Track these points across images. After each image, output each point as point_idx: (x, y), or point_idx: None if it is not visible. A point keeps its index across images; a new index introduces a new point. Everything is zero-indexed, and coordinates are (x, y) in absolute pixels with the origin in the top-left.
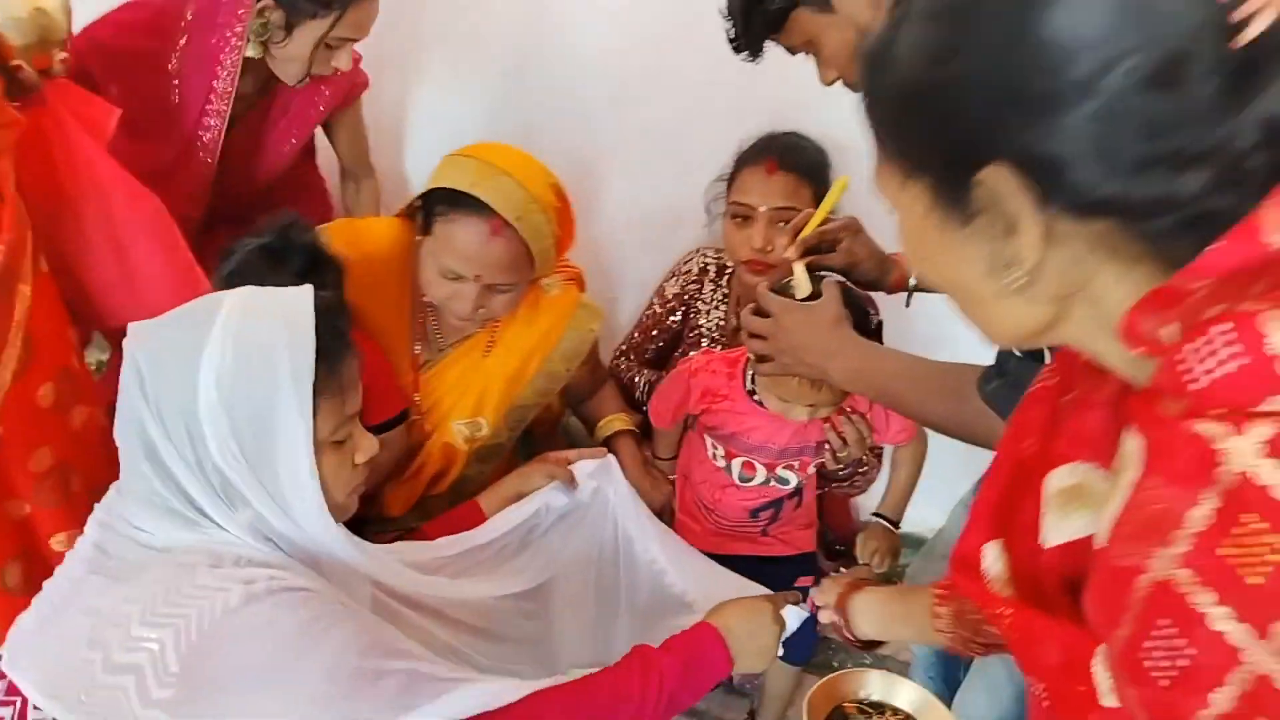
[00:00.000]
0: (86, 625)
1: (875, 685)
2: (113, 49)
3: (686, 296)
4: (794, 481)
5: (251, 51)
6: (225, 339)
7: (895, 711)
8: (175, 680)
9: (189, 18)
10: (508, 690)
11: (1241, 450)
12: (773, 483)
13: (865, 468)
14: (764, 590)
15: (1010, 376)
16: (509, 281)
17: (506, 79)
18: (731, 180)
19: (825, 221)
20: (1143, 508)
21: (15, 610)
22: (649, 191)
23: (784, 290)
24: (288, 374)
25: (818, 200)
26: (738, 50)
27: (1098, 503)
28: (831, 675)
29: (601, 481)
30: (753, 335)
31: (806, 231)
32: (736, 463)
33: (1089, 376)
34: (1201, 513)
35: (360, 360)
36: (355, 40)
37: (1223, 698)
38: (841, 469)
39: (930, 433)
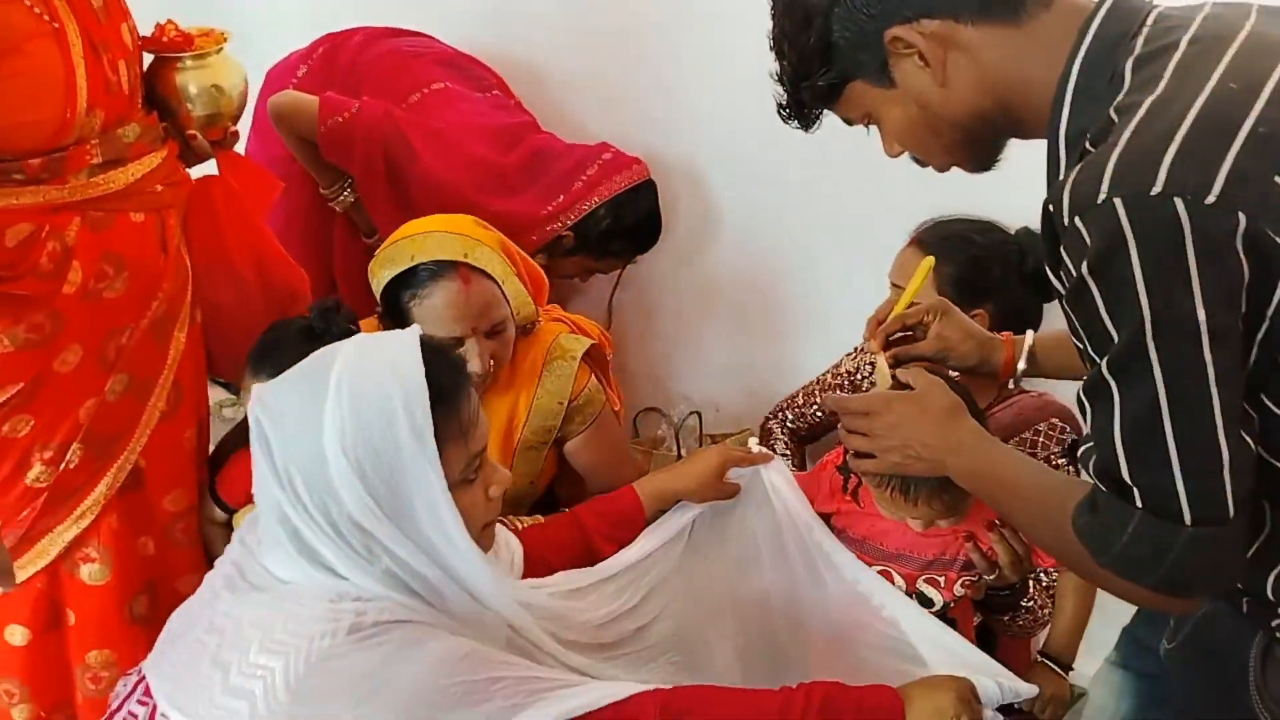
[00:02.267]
0: (213, 644)
1: None
2: (443, 194)
3: (859, 378)
4: (938, 603)
5: (539, 259)
6: (341, 402)
7: None
8: (284, 709)
9: (512, 223)
10: (630, 687)
11: None
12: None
13: (1029, 600)
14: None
15: (1101, 515)
16: (500, 319)
17: None
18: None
19: (910, 307)
20: None
21: (140, 638)
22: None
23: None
24: (407, 430)
25: (953, 286)
26: (787, 121)
27: None
28: None
29: (764, 481)
30: (852, 432)
31: (888, 319)
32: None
33: None
34: None
35: (478, 399)
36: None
37: None
38: (999, 594)
39: None
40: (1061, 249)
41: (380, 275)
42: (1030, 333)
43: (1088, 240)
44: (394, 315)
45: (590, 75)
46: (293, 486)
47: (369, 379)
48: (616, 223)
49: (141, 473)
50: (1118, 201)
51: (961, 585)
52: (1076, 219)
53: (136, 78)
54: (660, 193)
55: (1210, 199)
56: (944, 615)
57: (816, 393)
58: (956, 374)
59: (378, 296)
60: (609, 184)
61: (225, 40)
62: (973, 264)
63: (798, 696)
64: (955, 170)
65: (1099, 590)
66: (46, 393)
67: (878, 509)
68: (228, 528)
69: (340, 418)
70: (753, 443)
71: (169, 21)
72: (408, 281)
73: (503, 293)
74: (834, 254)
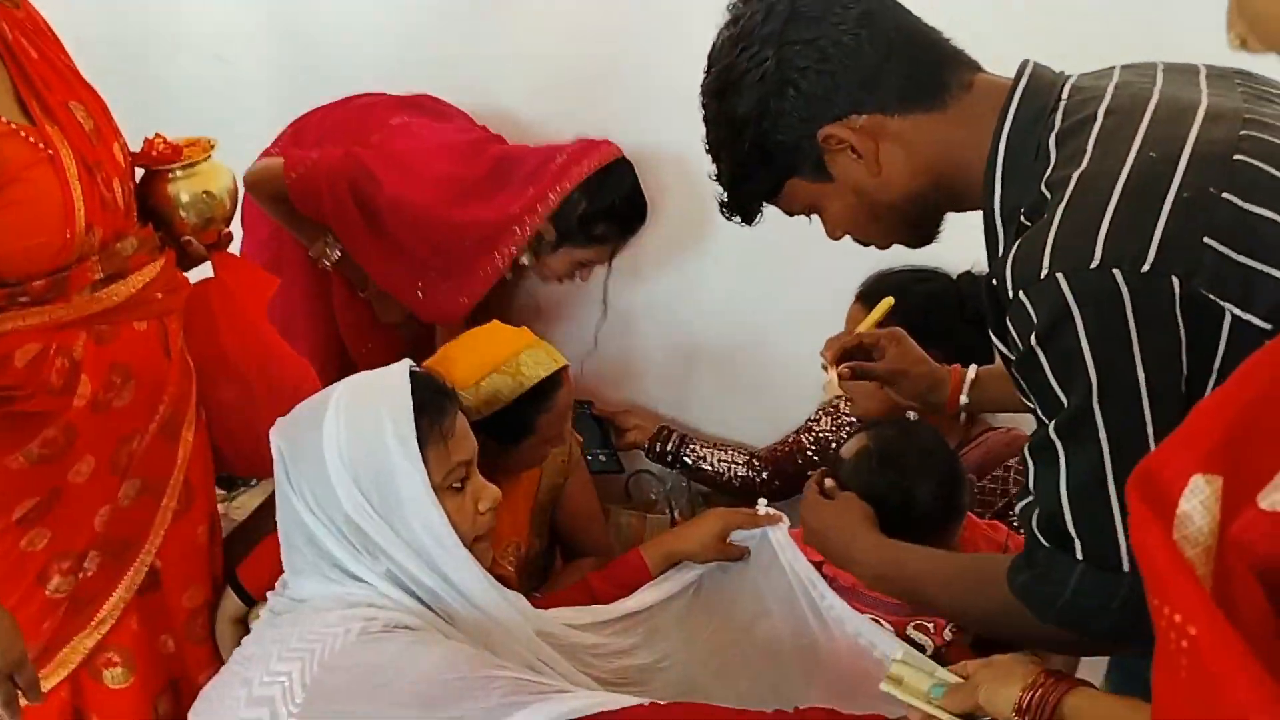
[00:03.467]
0: (242, 671)
1: None
2: (413, 215)
3: (829, 439)
4: (929, 648)
5: (524, 259)
6: (338, 415)
7: None
8: (300, 709)
9: (487, 229)
10: (626, 699)
11: None
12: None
13: None
14: None
15: (1039, 569)
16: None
17: None
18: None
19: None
20: None
21: None
22: None
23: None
24: (391, 431)
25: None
26: (729, 218)
27: None
28: None
29: (771, 542)
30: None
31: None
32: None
33: None
34: None
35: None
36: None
37: None
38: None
39: None
40: (1008, 320)
41: (483, 405)
42: (974, 366)
43: (1033, 315)
44: (510, 430)
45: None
46: (304, 495)
47: (361, 396)
48: (594, 204)
49: (158, 573)
50: (1060, 276)
51: (950, 630)
52: (1021, 294)
53: (130, 193)
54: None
55: (1145, 267)
56: (941, 660)
57: (791, 440)
58: (914, 415)
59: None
60: (579, 167)
61: (212, 147)
62: (911, 313)
63: (790, 718)
64: None
65: None
66: (62, 505)
67: None
68: (243, 626)
69: (336, 429)
70: (762, 503)
71: (157, 135)
72: (529, 402)
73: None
74: (817, 310)
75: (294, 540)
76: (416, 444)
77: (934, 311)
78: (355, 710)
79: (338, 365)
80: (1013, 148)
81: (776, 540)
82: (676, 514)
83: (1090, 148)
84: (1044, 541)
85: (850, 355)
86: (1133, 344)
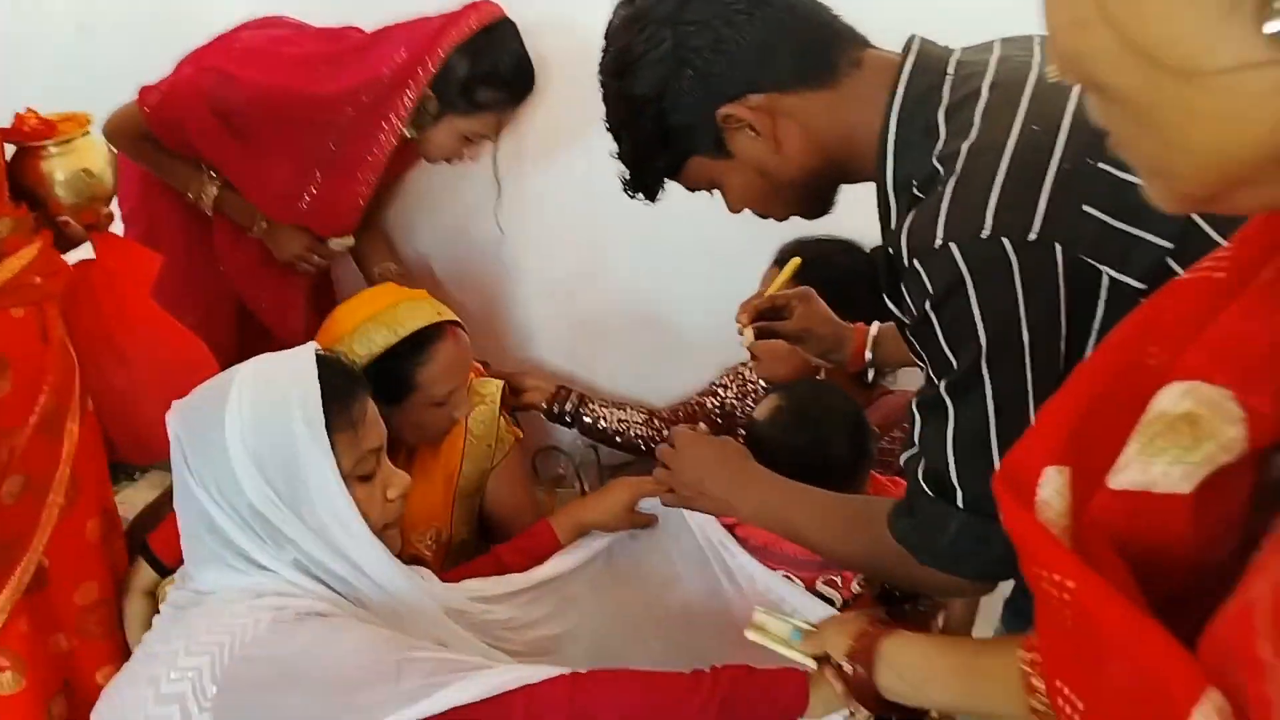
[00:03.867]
0: (146, 668)
1: None
2: (280, 100)
3: (728, 401)
4: (838, 601)
5: (409, 133)
6: (241, 401)
7: None
8: (212, 704)
9: (363, 97)
10: (546, 670)
11: None
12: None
13: None
14: None
15: (921, 515)
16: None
17: None
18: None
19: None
20: None
21: None
22: None
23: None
24: (300, 417)
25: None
26: (632, 196)
27: (1206, 448)
28: None
29: (671, 514)
30: (658, 462)
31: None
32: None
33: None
34: None
35: (369, 400)
36: (490, 139)
37: None
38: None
39: None
40: (903, 286)
41: (361, 355)
42: (876, 324)
43: (928, 282)
44: (391, 386)
45: None
46: (205, 484)
47: (265, 379)
48: (476, 67)
49: (45, 572)
50: (953, 246)
51: (858, 584)
52: (915, 262)
53: (1, 171)
54: (543, 226)
55: (1032, 236)
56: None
57: (695, 400)
58: (821, 375)
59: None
60: (457, 29)
61: (89, 123)
62: (837, 284)
63: (706, 676)
64: None
65: None
66: None
67: None
68: (153, 599)
69: (239, 413)
70: None
71: (29, 110)
72: (403, 352)
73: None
74: (718, 277)
75: (195, 530)
76: (325, 431)
77: (855, 285)
78: (271, 701)
79: (236, 327)
80: (903, 123)
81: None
82: (585, 487)
83: (978, 121)
84: (927, 490)
85: (762, 316)
86: (1019, 309)
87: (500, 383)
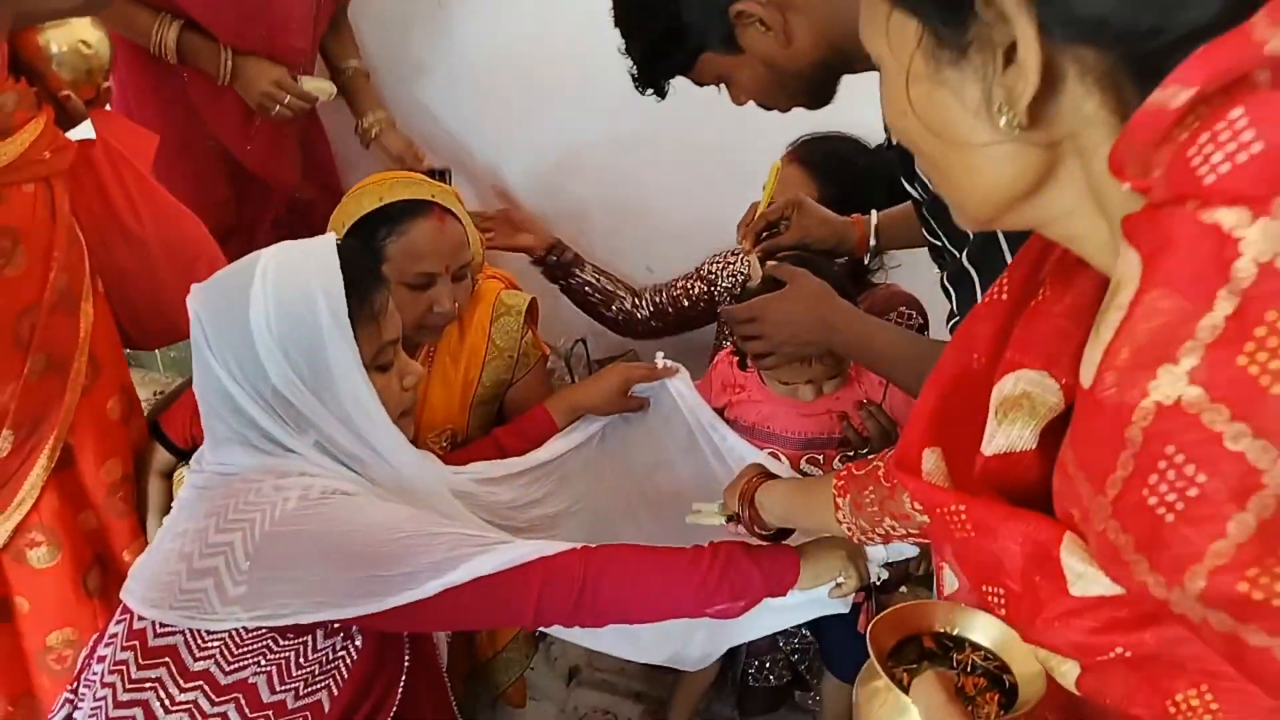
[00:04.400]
0: (176, 545)
1: (951, 617)
2: None
3: (717, 279)
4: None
5: None
6: (266, 287)
7: (976, 647)
8: (246, 576)
9: None
10: (559, 545)
11: (1267, 234)
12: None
13: None
14: None
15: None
16: (466, 261)
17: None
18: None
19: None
20: (1142, 326)
21: (99, 611)
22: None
23: (745, 291)
24: (325, 308)
25: (829, 197)
26: (642, 92)
27: (1040, 412)
28: (898, 606)
29: (670, 392)
30: (746, 338)
31: (755, 219)
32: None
33: (1053, 283)
34: (1214, 320)
35: (388, 293)
36: None
37: (1239, 526)
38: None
39: None
40: (917, 164)
41: (346, 219)
42: (874, 212)
43: None
44: (363, 253)
45: None
46: (229, 365)
47: (290, 267)
48: None
49: (71, 450)
50: None
51: (840, 461)
52: None
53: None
54: (525, 121)
55: None
56: None
57: (679, 285)
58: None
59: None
60: None
61: None
62: (856, 185)
63: (705, 551)
64: None
65: None
66: None
67: (764, 396)
68: (168, 479)
69: (264, 300)
70: (659, 356)
71: None
72: (382, 219)
73: (467, 236)
74: (697, 178)
75: (216, 408)
76: (349, 321)
77: (873, 185)
78: (304, 573)
79: (229, 183)
80: None
81: (676, 389)
82: (576, 378)
83: None
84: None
85: (760, 235)
86: None
87: (529, 297)
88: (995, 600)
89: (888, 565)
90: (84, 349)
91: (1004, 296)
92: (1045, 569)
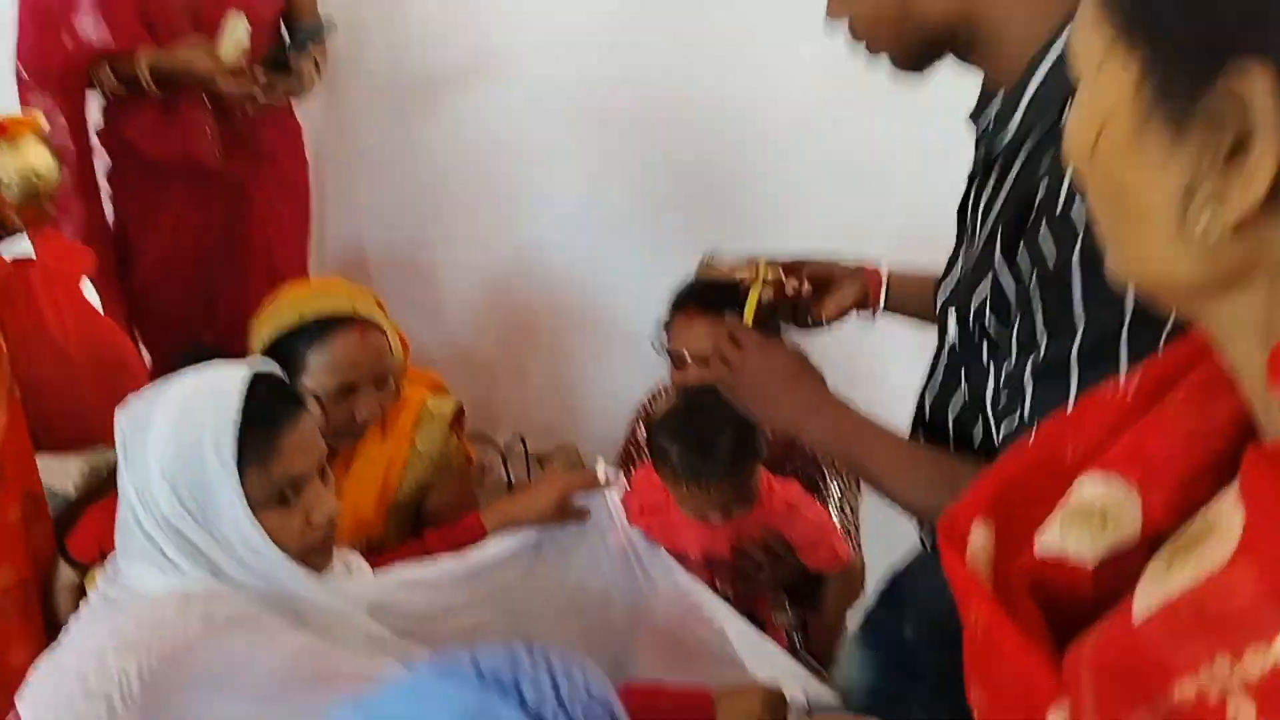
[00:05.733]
0: (73, 661)
1: None
2: None
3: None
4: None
5: None
6: (164, 422)
7: None
8: (138, 704)
9: None
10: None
11: None
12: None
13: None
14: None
15: None
16: (388, 370)
17: None
18: (669, 324)
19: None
20: (1217, 599)
21: None
22: None
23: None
24: (211, 450)
25: None
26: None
27: (1110, 537)
28: None
29: (608, 504)
30: (720, 357)
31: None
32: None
33: (1190, 396)
34: None
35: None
36: None
37: None
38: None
39: None
40: (1041, 227)
41: (266, 332)
42: (884, 266)
43: (1078, 228)
44: (283, 364)
45: None
46: (136, 486)
47: (189, 403)
48: None
49: None
50: None
51: (740, 585)
52: (1072, 205)
53: None
54: (482, 227)
55: None
56: (752, 616)
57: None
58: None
59: (255, 351)
60: None
61: (38, 126)
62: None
63: (620, 692)
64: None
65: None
66: None
67: (679, 517)
68: (80, 592)
69: (161, 436)
70: (601, 464)
71: None
72: (301, 334)
73: (389, 343)
74: (636, 277)
75: (128, 522)
76: (234, 461)
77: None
78: (197, 705)
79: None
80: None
81: (613, 503)
82: (512, 477)
83: None
84: None
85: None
86: None
87: (455, 401)
88: (975, 704)
89: (809, 716)
90: None
91: (1126, 398)
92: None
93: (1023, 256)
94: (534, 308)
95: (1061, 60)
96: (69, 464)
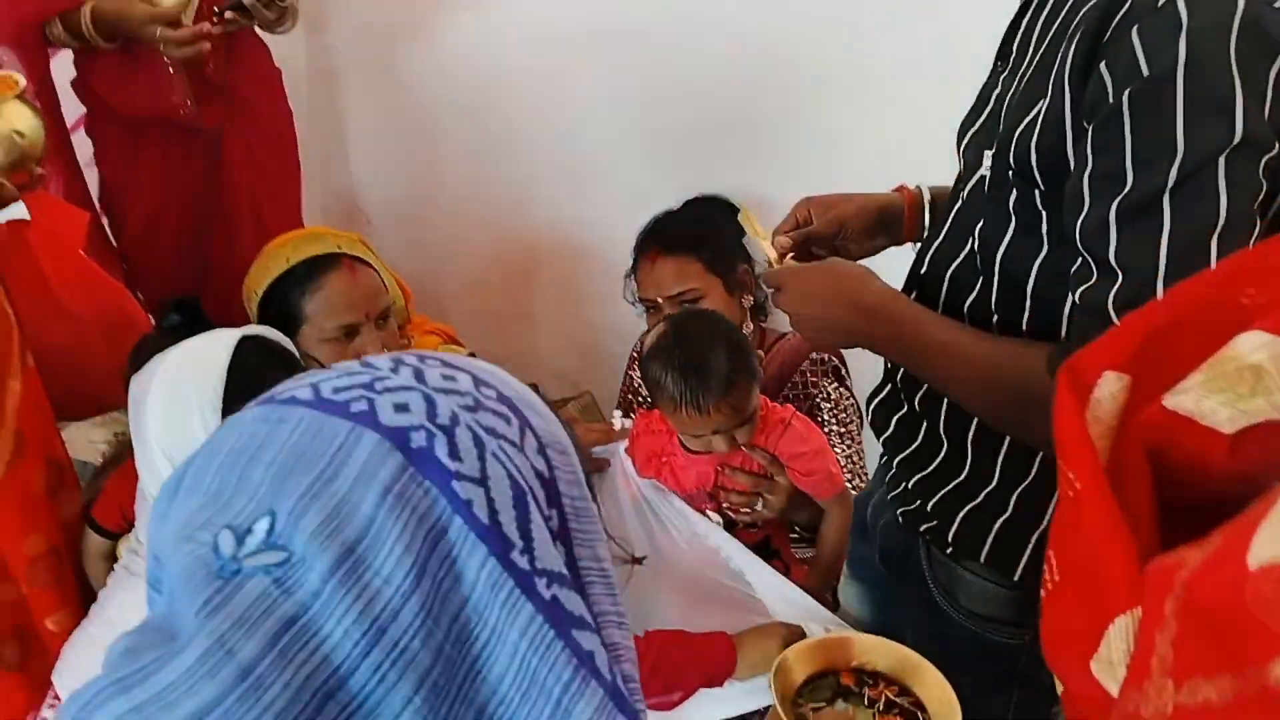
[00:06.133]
0: (101, 634)
1: (868, 650)
2: None
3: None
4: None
5: None
6: (157, 397)
7: (891, 682)
8: None
9: None
10: None
11: None
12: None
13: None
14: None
15: None
16: (387, 305)
17: None
18: (634, 273)
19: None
20: None
21: (15, 684)
22: None
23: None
24: (199, 421)
25: (709, 267)
26: None
27: (1258, 401)
28: (819, 639)
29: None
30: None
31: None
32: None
33: None
34: None
35: None
36: None
37: None
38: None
39: None
40: (1135, 31)
41: (258, 286)
42: (924, 187)
43: (1183, 22)
44: (282, 319)
45: None
46: (142, 460)
47: (179, 375)
48: None
49: None
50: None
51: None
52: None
53: None
54: (479, 167)
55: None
56: (768, 546)
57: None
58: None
59: (253, 312)
60: None
61: (19, 86)
62: (716, 247)
63: (638, 642)
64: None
65: None
66: None
67: (689, 459)
68: (111, 559)
69: (155, 409)
70: (617, 415)
71: None
72: (292, 280)
73: (382, 280)
74: (642, 209)
75: (144, 493)
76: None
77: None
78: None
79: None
80: None
81: (623, 457)
82: None
83: None
84: (1116, 321)
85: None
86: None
87: (468, 352)
88: (1048, 578)
89: None
90: (10, 425)
91: None
92: (1090, 613)
93: (1101, 75)
94: (540, 250)
95: None
96: (93, 432)
